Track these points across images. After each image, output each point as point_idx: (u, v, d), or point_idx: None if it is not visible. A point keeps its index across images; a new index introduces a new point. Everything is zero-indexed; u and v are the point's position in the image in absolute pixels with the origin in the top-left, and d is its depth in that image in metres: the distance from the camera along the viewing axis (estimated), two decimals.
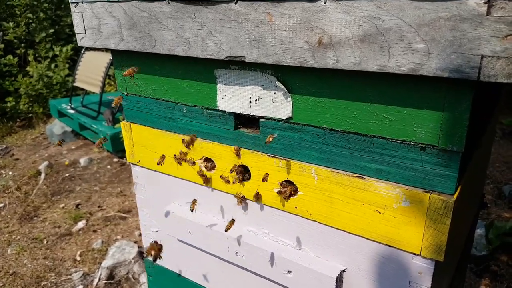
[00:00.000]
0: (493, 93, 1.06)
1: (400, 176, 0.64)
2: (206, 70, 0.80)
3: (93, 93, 4.19)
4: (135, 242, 2.48)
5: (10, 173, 3.55)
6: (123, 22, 0.81)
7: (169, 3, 0.72)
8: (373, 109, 0.63)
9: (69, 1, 0.88)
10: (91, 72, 3.77)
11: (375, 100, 0.62)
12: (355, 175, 0.69)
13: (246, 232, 0.88)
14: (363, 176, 0.68)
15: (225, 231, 0.85)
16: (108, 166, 3.61)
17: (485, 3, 0.47)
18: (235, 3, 0.65)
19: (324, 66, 0.60)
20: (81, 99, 4.12)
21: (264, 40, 0.65)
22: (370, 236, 0.70)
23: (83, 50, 3.99)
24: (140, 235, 2.61)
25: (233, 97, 0.79)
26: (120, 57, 0.92)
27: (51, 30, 5.03)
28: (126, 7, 0.79)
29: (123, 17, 0.80)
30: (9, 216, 2.92)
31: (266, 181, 0.78)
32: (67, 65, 4.82)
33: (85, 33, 0.88)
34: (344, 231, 0.73)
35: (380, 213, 0.67)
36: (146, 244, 1.12)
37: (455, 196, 0.61)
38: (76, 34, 0.90)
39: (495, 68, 0.49)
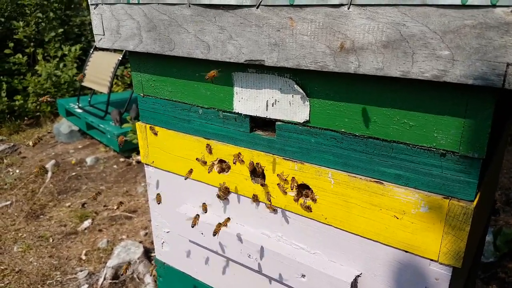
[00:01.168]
0: (508, 99, 1.06)
1: (419, 182, 0.64)
2: (223, 73, 0.80)
3: (101, 93, 4.20)
4: (141, 242, 2.48)
5: (17, 171, 3.56)
6: (142, 25, 0.81)
7: (190, 6, 0.73)
8: (394, 114, 0.63)
9: (89, 3, 0.89)
10: (99, 72, 3.79)
11: (395, 106, 0.63)
12: (373, 180, 0.69)
13: (260, 235, 0.88)
14: (382, 181, 0.68)
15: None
16: (115, 166, 3.62)
17: None
18: (257, 8, 0.66)
19: (345, 71, 0.61)
20: (89, 99, 4.14)
21: (284, 44, 0.65)
22: (387, 242, 0.70)
23: (92, 50, 4.01)
24: (145, 234, 2.61)
25: (249, 100, 0.79)
26: (138, 59, 0.93)
27: (60, 30, 5.06)
28: (146, 10, 0.79)
29: (143, 19, 0.81)
30: (15, 214, 2.93)
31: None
32: (75, 65, 4.85)
33: (104, 34, 0.89)
34: (360, 236, 0.73)
35: (398, 218, 0.67)
36: (157, 245, 1.12)
37: (475, 202, 0.61)
38: (94, 35, 0.91)
39: None
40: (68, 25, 5.31)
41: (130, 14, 0.82)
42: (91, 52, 3.99)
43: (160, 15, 0.78)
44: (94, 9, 0.88)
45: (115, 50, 4.27)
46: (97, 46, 0.91)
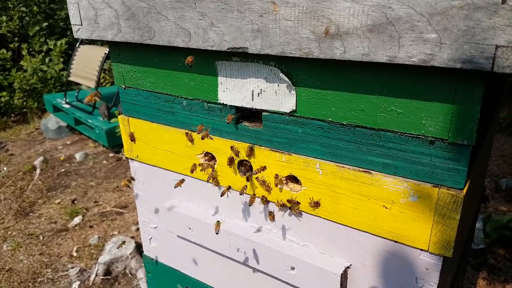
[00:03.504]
0: (497, 85, 1.05)
1: (408, 171, 0.63)
2: (206, 62, 0.77)
3: (88, 87, 4.14)
4: (132, 237, 2.46)
5: (5, 168, 3.50)
6: (120, 13, 0.78)
7: None
8: (381, 102, 0.61)
9: None
10: (86, 66, 3.72)
11: (383, 93, 0.61)
12: (361, 169, 0.67)
13: (248, 228, 0.86)
14: (370, 171, 0.66)
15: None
16: (104, 161, 3.57)
17: None
18: None
19: (331, 57, 0.58)
20: (76, 94, 4.08)
21: (268, 31, 0.63)
22: (376, 232, 0.69)
23: (78, 44, 3.94)
24: (137, 230, 2.59)
25: (234, 90, 0.77)
26: (118, 49, 0.90)
27: (45, 24, 4.96)
28: None
29: (121, 7, 0.78)
30: (4, 212, 2.89)
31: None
32: (61, 59, 4.77)
33: (82, 25, 0.86)
34: (349, 226, 0.72)
35: (386, 208, 0.66)
36: (145, 241, 1.10)
37: (465, 190, 0.59)
38: (72, 25, 0.87)
39: (510, 59, 0.47)
40: (53, 19, 5.20)
41: (107, 2, 0.79)
42: (77, 46, 3.92)
43: (138, 2, 0.75)
44: None
45: (101, 44, 4.19)
46: (75, 37, 0.88)
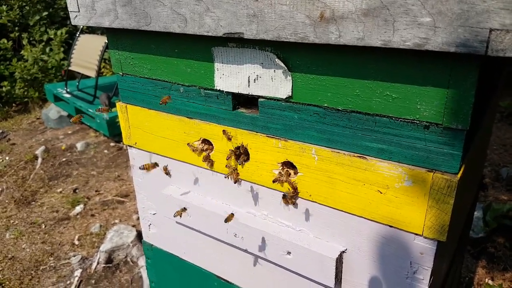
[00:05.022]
0: (494, 70, 1.04)
1: (403, 156, 0.63)
2: (203, 48, 0.77)
3: (89, 77, 4.13)
4: (133, 226, 2.48)
5: (7, 158, 3.52)
6: None
7: None
8: (376, 87, 0.61)
9: None
10: (86, 55, 3.72)
11: (378, 78, 0.61)
12: (356, 155, 0.67)
13: (245, 213, 0.87)
14: (365, 156, 0.67)
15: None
16: (105, 151, 3.59)
17: None
18: None
19: (326, 41, 0.58)
20: (77, 83, 4.08)
21: (263, 15, 0.63)
22: (371, 217, 0.69)
23: (78, 33, 3.93)
24: (138, 218, 2.61)
25: (231, 76, 0.77)
26: (115, 36, 0.90)
27: (45, 13, 4.94)
28: None
29: None
30: (6, 201, 2.91)
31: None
32: (62, 49, 4.76)
33: (79, 11, 0.86)
34: (345, 211, 0.72)
35: (381, 193, 0.66)
36: (144, 227, 1.11)
37: (459, 175, 0.60)
38: (69, 12, 0.87)
39: (504, 42, 0.47)
40: (53, 8, 5.18)
41: None
42: (77, 35, 3.91)
43: None
44: None
45: (102, 33, 4.18)
46: (72, 23, 0.88)
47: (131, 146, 1.01)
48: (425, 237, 0.65)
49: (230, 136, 0.81)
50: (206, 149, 0.87)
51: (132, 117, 0.96)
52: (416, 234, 0.66)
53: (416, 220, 0.64)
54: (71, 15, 0.88)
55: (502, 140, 3.39)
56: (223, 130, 0.81)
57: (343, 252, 0.75)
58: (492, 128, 1.46)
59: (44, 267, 2.28)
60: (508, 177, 2.77)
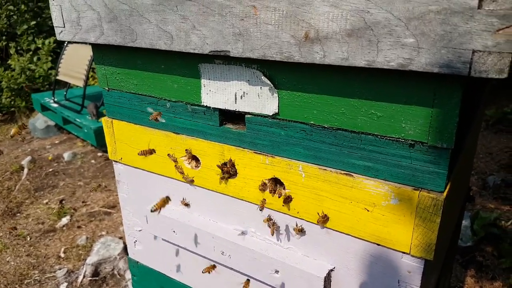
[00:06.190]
0: (479, 87, 1.06)
1: (389, 174, 0.63)
2: (189, 64, 0.77)
3: (77, 86, 4.10)
4: (120, 238, 2.44)
5: None
6: (103, 15, 0.77)
7: None
8: (361, 105, 0.61)
9: None
10: (74, 65, 3.69)
11: (363, 96, 0.61)
12: (343, 172, 0.67)
13: (232, 231, 0.86)
14: (351, 174, 0.66)
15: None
16: (92, 161, 3.55)
17: None
18: None
19: (311, 61, 0.58)
20: (65, 93, 4.04)
21: (249, 34, 0.63)
22: (359, 235, 0.69)
23: (66, 43, 3.90)
24: None
25: (217, 93, 0.76)
26: (101, 52, 0.89)
27: (33, 23, 4.90)
28: (106, 0, 0.75)
29: (103, 9, 0.77)
30: None
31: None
32: (50, 58, 4.72)
33: (64, 27, 0.85)
34: (332, 229, 0.72)
35: (368, 211, 0.66)
36: (129, 244, 1.09)
37: (445, 193, 0.60)
38: (55, 27, 0.86)
39: (486, 63, 0.48)
40: (41, 18, 5.14)
41: (90, 4, 0.78)
42: (65, 45, 3.88)
43: (120, 4, 0.74)
44: (53, 0, 0.83)
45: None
46: (58, 39, 0.87)
47: (116, 162, 1.00)
48: (413, 256, 0.65)
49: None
50: (190, 163, 0.86)
51: (118, 132, 0.95)
52: (404, 253, 0.65)
53: (403, 239, 0.64)
54: (57, 30, 0.87)
55: (488, 148, 3.44)
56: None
57: (331, 270, 0.74)
58: (477, 141, 1.48)
59: (29, 280, 2.23)
60: (495, 185, 2.80)
